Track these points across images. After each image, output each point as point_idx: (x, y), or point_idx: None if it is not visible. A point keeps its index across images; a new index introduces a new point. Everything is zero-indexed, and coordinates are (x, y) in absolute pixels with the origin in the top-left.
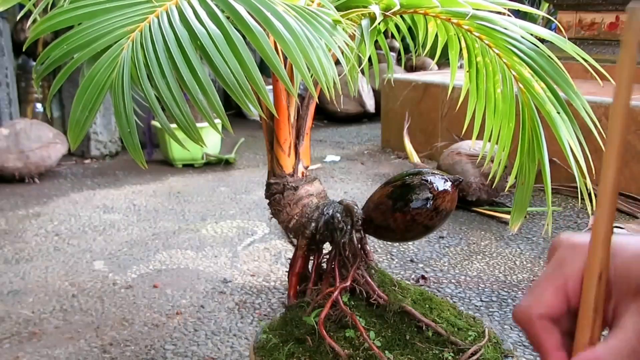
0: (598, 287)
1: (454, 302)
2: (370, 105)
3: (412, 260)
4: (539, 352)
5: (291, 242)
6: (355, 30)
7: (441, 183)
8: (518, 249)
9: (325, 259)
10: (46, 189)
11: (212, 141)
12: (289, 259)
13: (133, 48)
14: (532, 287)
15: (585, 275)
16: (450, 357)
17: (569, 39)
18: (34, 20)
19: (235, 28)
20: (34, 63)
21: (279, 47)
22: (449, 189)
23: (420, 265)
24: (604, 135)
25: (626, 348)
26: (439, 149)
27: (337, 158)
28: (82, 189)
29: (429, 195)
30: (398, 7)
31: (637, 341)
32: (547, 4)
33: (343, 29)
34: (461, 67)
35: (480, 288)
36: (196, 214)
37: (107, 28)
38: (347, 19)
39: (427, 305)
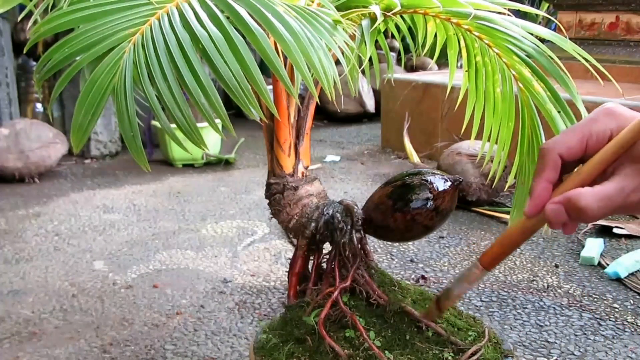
0: (614, 154)
1: None
2: (370, 105)
3: (412, 260)
4: (534, 178)
5: (291, 242)
6: (355, 30)
7: (441, 183)
8: (518, 249)
9: (325, 259)
10: (46, 189)
11: (212, 141)
12: (289, 259)
13: (135, 51)
14: (563, 132)
15: (613, 141)
16: (450, 357)
17: (569, 39)
18: (35, 21)
19: (236, 29)
20: (34, 63)
21: (279, 48)
22: (449, 189)
23: (420, 265)
24: None
25: (605, 195)
26: (439, 149)
27: (337, 158)
28: (82, 189)
29: (429, 195)
30: (398, 7)
31: (615, 192)
32: (547, 4)
33: (343, 29)
34: (461, 66)
35: (480, 288)
36: (196, 214)
37: (108, 31)
38: (347, 19)
39: (427, 305)
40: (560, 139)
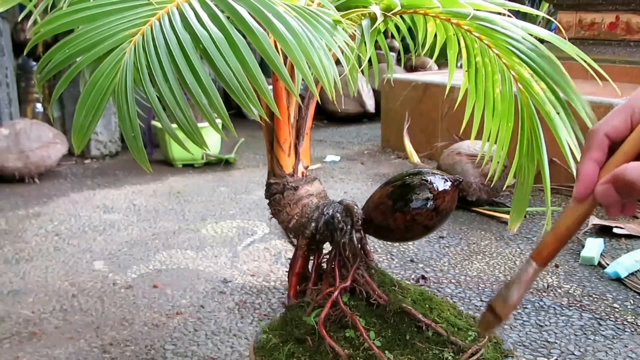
0: None
1: (454, 302)
2: (370, 105)
3: (412, 260)
4: (581, 158)
5: (291, 242)
6: (355, 30)
7: (441, 183)
8: (518, 249)
9: (325, 259)
10: (46, 189)
11: (212, 141)
12: (289, 259)
13: (135, 52)
14: (608, 114)
15: None
16: (450, 357)
17: (569, 39)
18: (35, 22)
19: (237, 29)
20: (34, 63)
21: (279, 47)
22: (449, 189)
23: (420, 265)
24: None
25: None
26: (439, 149)
27: (337, 158)
28: (82, 189)
29: (429, 195)
30: (399, 7)
31: None
32: (547, 4)
33: (343, 29)
34: (460, 66)
35: (480, 288)
36: (196, 214)
37: (108, 32)
38: (348, 19)
39: (427, 305)
40: (604, 120)
